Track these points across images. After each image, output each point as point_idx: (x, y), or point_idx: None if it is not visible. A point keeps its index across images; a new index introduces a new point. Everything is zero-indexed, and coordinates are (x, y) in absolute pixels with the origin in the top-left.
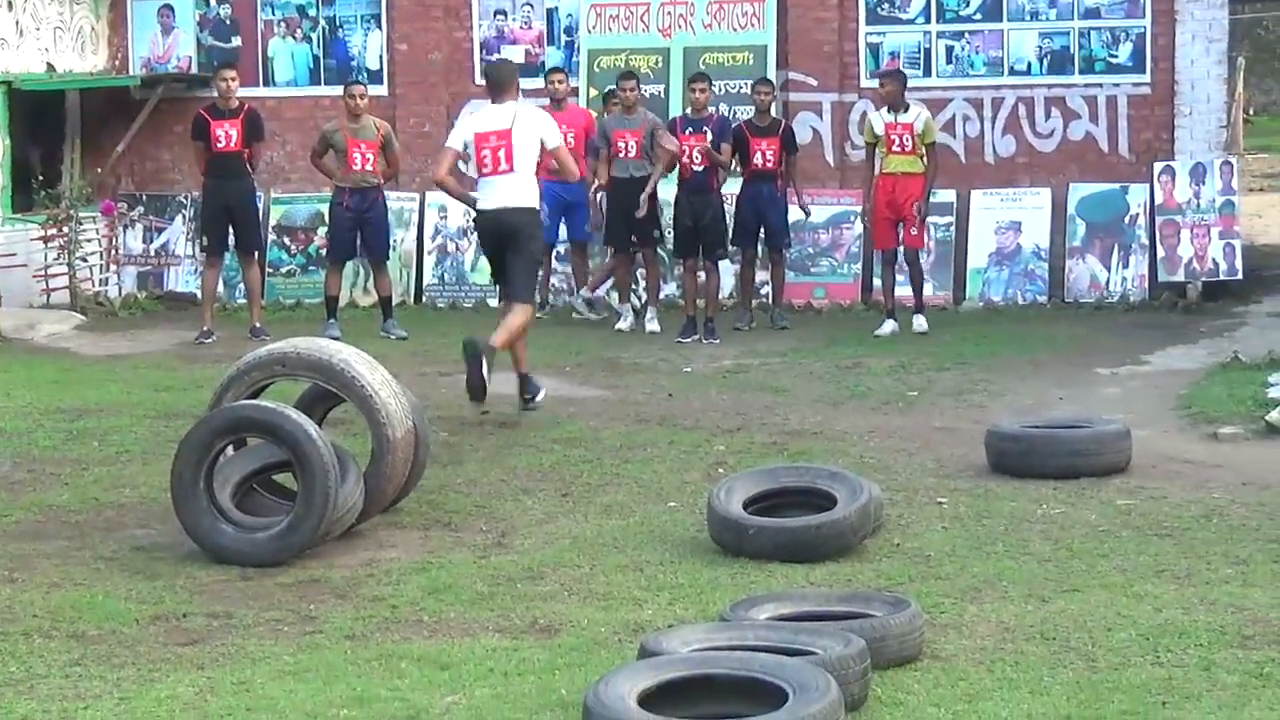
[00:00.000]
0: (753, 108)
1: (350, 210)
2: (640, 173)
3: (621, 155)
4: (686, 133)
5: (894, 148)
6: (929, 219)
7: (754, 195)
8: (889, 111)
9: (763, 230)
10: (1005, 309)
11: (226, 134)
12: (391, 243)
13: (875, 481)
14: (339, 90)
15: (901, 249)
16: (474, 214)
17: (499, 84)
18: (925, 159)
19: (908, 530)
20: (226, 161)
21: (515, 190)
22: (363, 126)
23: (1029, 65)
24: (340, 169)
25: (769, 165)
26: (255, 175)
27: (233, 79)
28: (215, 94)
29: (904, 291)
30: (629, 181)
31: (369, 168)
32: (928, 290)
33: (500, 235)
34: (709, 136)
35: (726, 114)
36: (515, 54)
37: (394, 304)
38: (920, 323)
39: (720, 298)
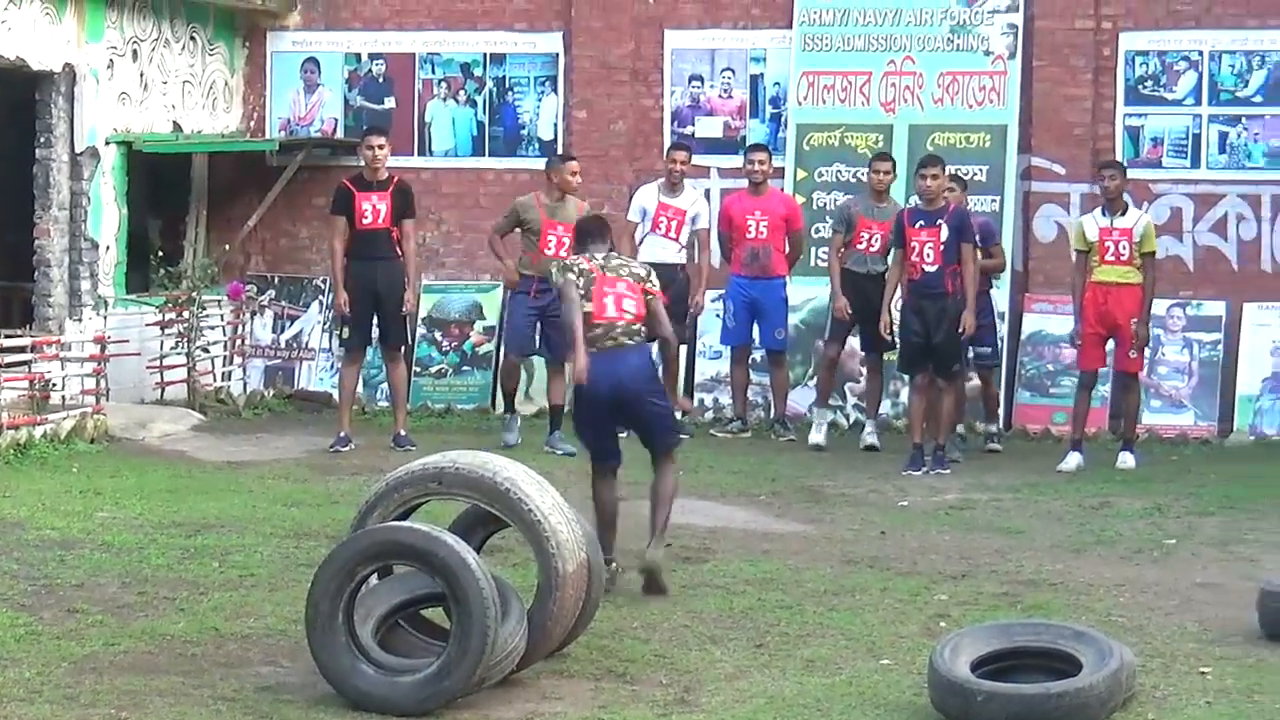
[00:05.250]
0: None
1: (536, 302)
2: (879, 268)
3: (862, 248)
4: (916, 226)
5: (1108, 256)
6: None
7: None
8: (1104, 214)
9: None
10: None
11: (374, 208)
12: None
13: (1126, 644)
14: (504, 163)
15: (1112, 373)
16: None
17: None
18: (1143, 270)
19: (1164, 704)
20: (373, 240)
21: None
22: (562, 206)
23: None
24: (528, 253)
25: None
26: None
27: (380, 146)
28: (361, 163)
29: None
30: (866, 278)
31: (563, 254)
32: (1187, 419)
33: None
34: (944, 232)
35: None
36: (712, 126)
37: (564, 414)
38: (1127, 459)
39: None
